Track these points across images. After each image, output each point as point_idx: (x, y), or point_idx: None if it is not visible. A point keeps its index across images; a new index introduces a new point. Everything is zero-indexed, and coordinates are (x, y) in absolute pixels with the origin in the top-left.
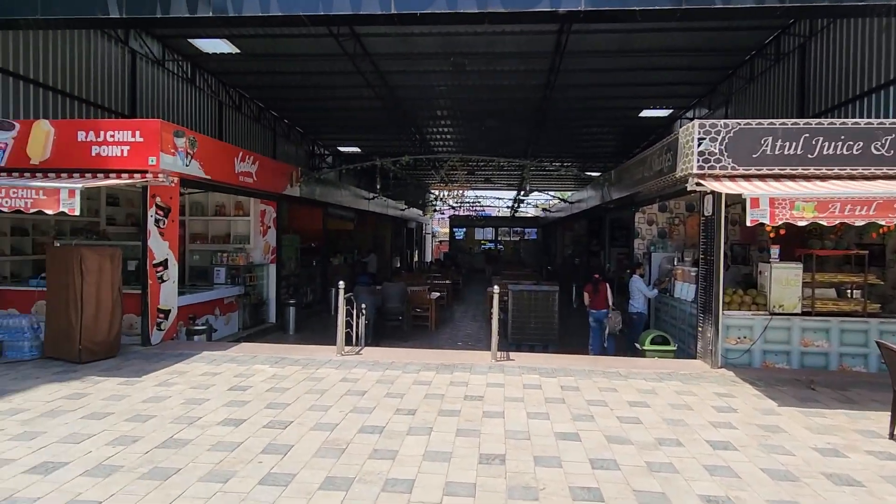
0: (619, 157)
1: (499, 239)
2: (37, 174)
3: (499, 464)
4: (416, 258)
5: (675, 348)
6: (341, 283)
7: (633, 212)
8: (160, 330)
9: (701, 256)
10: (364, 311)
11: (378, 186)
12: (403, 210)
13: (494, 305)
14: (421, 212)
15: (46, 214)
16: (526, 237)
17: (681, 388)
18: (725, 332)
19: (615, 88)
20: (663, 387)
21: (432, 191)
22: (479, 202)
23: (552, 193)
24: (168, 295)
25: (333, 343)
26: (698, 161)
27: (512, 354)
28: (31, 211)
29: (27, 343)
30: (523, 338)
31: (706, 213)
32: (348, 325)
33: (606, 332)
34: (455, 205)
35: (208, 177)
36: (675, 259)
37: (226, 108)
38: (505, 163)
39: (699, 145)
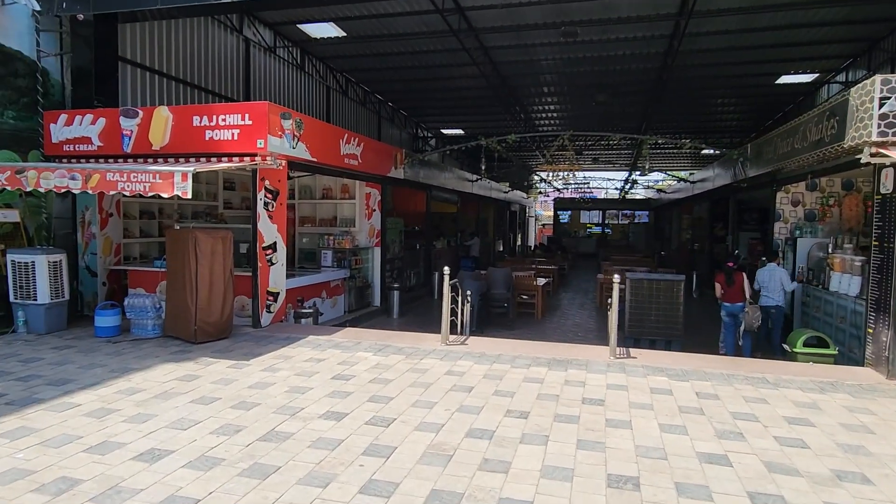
0: (746, 133)
1: (606, 222)
2: (157, 160)
3: (632, 489)
4: (518, 242)
5: (835, 352)
6: (446, 269)
7: (773, 191)
8: (269, 312)
9: (874, 243)
10: (469, 298)
11: (482, 167)
12: (507, 192)
13: (614, 295)
14: (525, 194)
15: (164, 198)
16: (636, 220)
17: (851, 403)
18: None
19: (748, 52)
20: (827, 400)
21: (537, 172)
22: (586, 184)
23: (668, 173)
24: (277, 278)
25: (437, 330)
26: (879, 126)
27: (633, 351)
28: (149, 194)
29: (150, 322)
30: (642, 332)
31: (884, 191)
32: (453, 312)
33: (742, 328)
34: (561, 186)
35: (314, 159)
36: (830, 246)
37: (333, 92)
38: (617, 139)
39: (881, 106)
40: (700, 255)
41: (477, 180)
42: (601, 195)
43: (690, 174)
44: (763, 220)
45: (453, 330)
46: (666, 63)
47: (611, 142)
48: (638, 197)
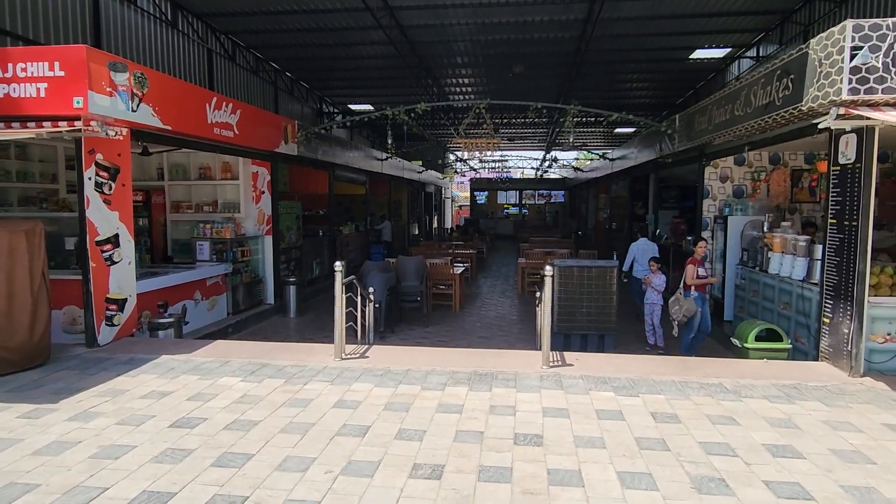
0: (657, 111)
1: (523, 202)
2: None
3: None
4: (434, 225)
5: (789, 346)
6: (339, 266)
7: (701, 166)
8: (111, 325)
9: (832, 221)
10: (371, 296)
11: (390, 143)
12: (421, 172)
13: (546, 291)
14: (440, 174)
15: None
16: (552, 200)
17: (828, 415)
18: (870, 327)
19: (665, 22)
20: (801, 414)
21: (452, 150)
22: (503, 163)
23: (588, 150)
24: (122, 280)
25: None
26: (850, 81)
27: (567, 356)
28: None
29: None
30: (573, 327)
31: (844, 161)
32: (351, 317)
33: (675, 321)
34: (478, 165)
35: (167, 127)
36: (765, 224)
37: (217, 57)
38: (538, 108)
39: (853, 58)
40: (618, 234)
41: (387, 159)
42: (517, 175)
43: (603, 154)
44: (683, 197)
45: (353, 338)
46: (585, 32)
47: (529, 116)
48: (554, 176)
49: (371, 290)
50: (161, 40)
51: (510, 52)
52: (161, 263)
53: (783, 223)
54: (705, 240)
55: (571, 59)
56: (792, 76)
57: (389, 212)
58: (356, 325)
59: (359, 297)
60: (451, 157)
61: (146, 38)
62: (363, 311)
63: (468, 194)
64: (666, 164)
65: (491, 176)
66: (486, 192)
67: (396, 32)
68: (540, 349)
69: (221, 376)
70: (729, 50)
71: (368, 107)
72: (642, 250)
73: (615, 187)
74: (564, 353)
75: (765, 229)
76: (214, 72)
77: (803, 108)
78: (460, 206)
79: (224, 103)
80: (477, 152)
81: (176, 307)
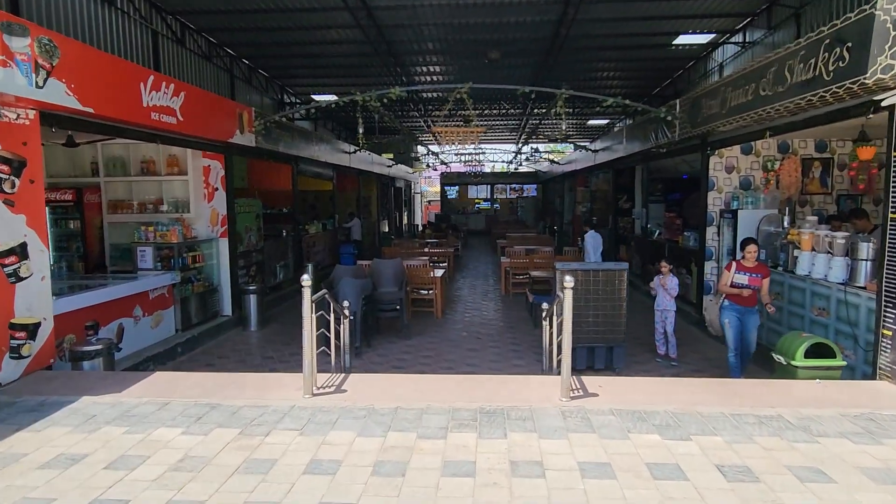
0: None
1: (494, 197)
2: None
3: None
4: (405, 221)
5: (843, 363)
6: (305, 279)
7: (706, 155)
8: (20, 357)
9: (893, 215)
10: (347, 310)
11: (360, 132)
12: (391, 166)
13: (566, 306)
14: (409, 168)
15: None
16: (524, 195)
17: None
18: None
19: (650, 4)
20: None
21: (423, 142)
22: (479, 156)
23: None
24: (33, 300)
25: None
26: None
27: (587, 381)
28: None
29: None
30: (579, 339)
31: None
32: (323, 337)
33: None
34: (452, 160)
35: (87, 108)
36: (786, 219)
37: (164, 40)
38: (513, 101)
39: None
40: (600, 230)
41: (355, 152)
42: (488, 169)
43: (593, 143)
44: (670, 189)
45: (325, 361)
46: (566, 15)
47: (503, 107)
48: (524, 170)
49: (346, 303)
50: (96, 19)
51: (485, 38)
52: (96, 274)
53: (809, 217)
54: (755, 242)
55: (549, 46)
56: (848, 44)
57: (358, 208)
58: (328, 347)
59: (331, 314)
60: (421, 149)
61: (77, 17)
62: (336, 331)
63: (437, 189)
64: (659, 155)
65: (463, 170)
66: (456, 187)
67: (363, 14)
68: (551, 371)
69: (157, 426)
70: (713, 36)
71: (332, 97)
72: (592, 242)
73: (595, 180)
74: (583, 377)
75: (785, 224)
76: (161, 57)
77: (867, 82)
78: (429, 202)
79: (164, 83)
80: (455, 143)
81: (110, 327)
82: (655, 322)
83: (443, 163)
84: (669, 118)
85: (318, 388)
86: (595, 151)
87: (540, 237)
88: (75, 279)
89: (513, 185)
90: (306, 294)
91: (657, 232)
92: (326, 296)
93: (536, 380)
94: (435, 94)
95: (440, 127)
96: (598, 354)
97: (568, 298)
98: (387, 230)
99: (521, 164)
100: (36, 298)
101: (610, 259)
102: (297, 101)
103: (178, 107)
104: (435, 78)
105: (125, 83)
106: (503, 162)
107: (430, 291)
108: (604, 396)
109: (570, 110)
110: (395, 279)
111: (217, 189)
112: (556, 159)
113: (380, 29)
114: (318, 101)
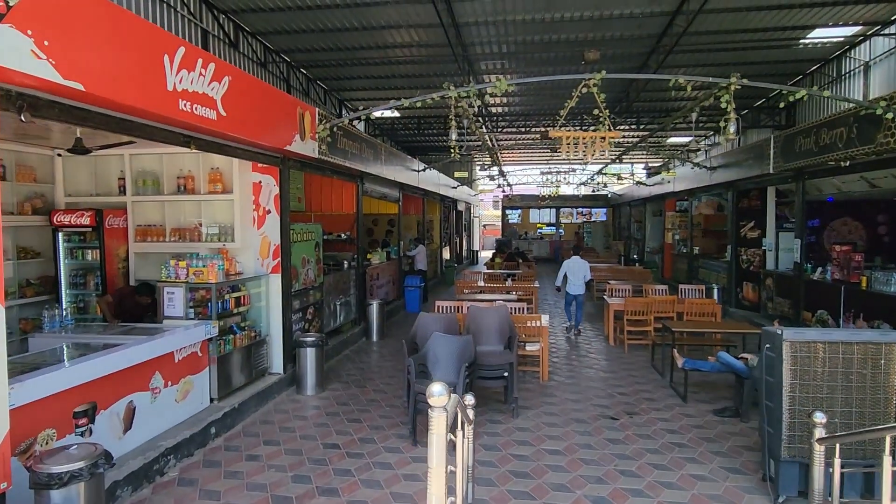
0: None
1: (560, 221)
2: None
3: None
4: (465, 247)
5: None
6: (437, 411)
7: None
8: None
9: None
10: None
11: (454, 136)
12: (456, 188)
13: None
14: (471, 190)
15: None
16: (591, 219)
17: None
18: None
19: None
20: None
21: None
22: (556, 175)
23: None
24: None
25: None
26: None
27: None
28: None
29: None
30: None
31: None
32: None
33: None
34: (521, 179)
35: (74, 84)
36: None
37: (214, 40)
38: (684, 85)
39: None
40: (710, 261)
41: (424, 170)
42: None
43: (679, 163)
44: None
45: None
46: (686, 3)
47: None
48: (587, 192)
49: (434, 374)
50: (136, 11)
51: (580, 39)
52: (105, 324)
53: None
54: None
55: (653, 46)
56: None
57: (422, 234)
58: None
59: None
60: (481, 171)
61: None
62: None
63: (491, 212)
64: (832, 171)
65: (527, 192)
66: (518, 210)
67: (443, 6)
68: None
69: None
70: (859, 28)
71: (395, 113)
72: (576, 268)
73: (698, 203)
74: None
75: None
76: None
77: None
78: (484, 226)
79: (200, 60)
80: (579, 153)
81: (114, 409)
82: None
83: (508, 184)
84: (890, 115)
85: None
86: (711, 169)
87: (633, 270)
88: (73, 335)
89: (580, 209)
90: (436, 435)
91: (820, 269)
92: (410, 365)
93: None
94: (504, 110)
95: (561, 131)
96: (848, 478)
97: None
98: (448, 257)
99: (601, 186)
100: None
101: (729, 299)
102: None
103: (219, 96)
104: (508, 88)
105: (140, 51)
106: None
107: (536, 346)
108: None
109: (655, 124)
110: (499, 333)
111: (270, 211)
112: (665, 177)
113: (458, 28)
114: (399, 102)
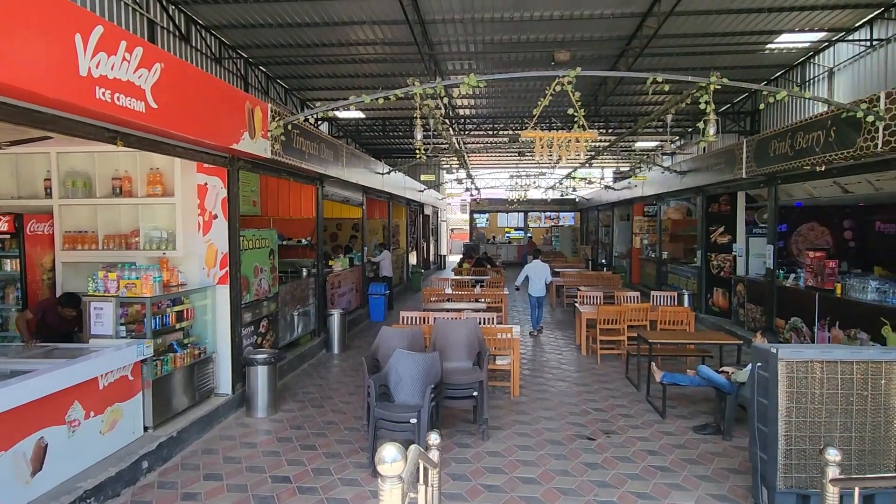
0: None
1: (528, 225)
2: None
3: None
4: (433, 252)
5: None
6: (389, 466)
7: None
8: None
9: None
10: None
11: (419, 138)
12: (422, 191)
13: None
14: (439, 194)
15: None
16: (559, 223)
17: None
18: None
19: None
20: None
21: (452, 167)
22: (526, 179)
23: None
24: None
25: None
26: None
27: None
28: None
29: None
30: (814, 479)
31: None
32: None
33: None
34: (488, 184)
35: None
36: None
37: (163, 32)
38: (660, 83)
39: None
40: (679, 266)
41: (388, 172)
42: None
43: (647, 168)
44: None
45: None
46: (658, 4)
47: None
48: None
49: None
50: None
51: (550, 39)
52: (36, 343)
53: None
54: None
55: (623, 49)
56: None
57: (388, 239)
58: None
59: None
60: (447, 175)
61: None
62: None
63: (459, 216)
64: (808, 176)
65: (495, 196)
66: (486, 215)
67: (407, 1)
68: None
69: None
70: (823, 34)
71: (359, 114)
72: (537, 270)
73: (665, 208)
74: None
75: None
76: None
77: None
78: (452, 230)
79: (123, 42)
80: (550, 156)
81: (18, 448)
82: None
83: (476, 188)
84: (871, 118)
85: None
86: (681, 173)
87: (602, 275)
88: None
89: (548, 213)
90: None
91: (792, 275)
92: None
93: None
94: (472, 112)
95: (534, 132)
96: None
97: None
98: (415, 262)
99: (570, 190)
100: None
101: (699, 305)
102: (319, 119)
103: (149, 86)
104: (476, 90)
105: (43, 28)
106: (536, 187)
107: (507, 360)
108: None
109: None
110: (468, 348)
111: (217, 216)
112: (634, 181)
113: (424, 25)
114: (360, 98)
